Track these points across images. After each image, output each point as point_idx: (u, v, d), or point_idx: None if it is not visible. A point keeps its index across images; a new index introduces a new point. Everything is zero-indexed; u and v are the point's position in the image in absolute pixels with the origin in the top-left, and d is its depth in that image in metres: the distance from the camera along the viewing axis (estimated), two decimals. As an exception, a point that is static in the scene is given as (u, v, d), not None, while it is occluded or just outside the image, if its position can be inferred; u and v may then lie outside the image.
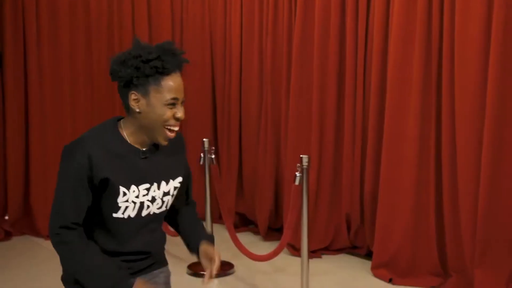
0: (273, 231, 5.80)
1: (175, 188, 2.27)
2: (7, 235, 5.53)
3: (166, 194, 2.23)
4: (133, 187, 2.13)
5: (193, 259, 4.56)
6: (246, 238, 5.40)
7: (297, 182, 4.06)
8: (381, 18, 4.87)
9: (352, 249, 5.36)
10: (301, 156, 4.12)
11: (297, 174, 4.07)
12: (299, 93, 5.46)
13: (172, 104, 2.08)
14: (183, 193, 2.40)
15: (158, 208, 2.22)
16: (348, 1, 5.08)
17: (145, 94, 2.07)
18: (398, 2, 4.65)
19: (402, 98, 4.75)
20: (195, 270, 4.81)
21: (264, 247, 5.18)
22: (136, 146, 2.16)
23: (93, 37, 6.01)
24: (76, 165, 2.03)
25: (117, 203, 2.12)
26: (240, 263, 4.96)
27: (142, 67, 2.04)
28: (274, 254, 4.38)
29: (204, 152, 4.91)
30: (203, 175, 5.08)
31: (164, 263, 2.43)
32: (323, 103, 5.32)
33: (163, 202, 2.23)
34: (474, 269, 4.33)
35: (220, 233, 5.43)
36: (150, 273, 2.34)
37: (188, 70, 5.70)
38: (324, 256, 5.19)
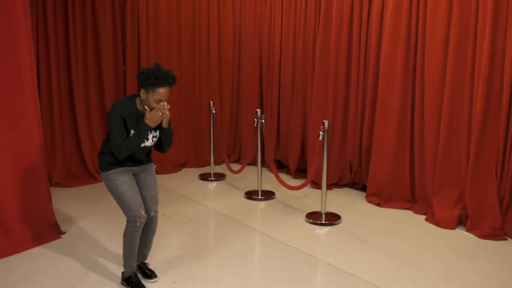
0: (299, 172, 6.72)
1: (157, 135, 3.51)
2: None
3: (154, 137, 3.46)
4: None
5: (249, 188, 6.02)
6: (281, 176, 5.87)
7: (320, 138, 4.95)
8: (377, 24, 5.61)
9: (352, 184, 6.24)
10: (323, 121, 4.95)
11: (320, 133, 4.92)
12: (319, 76, 6.15)
13: (159, 101, 3.32)
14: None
15: (150, 144, 3.47)
16: (355, 12, 5.80)
17: (147, 92, 3.32)
18: (389, 14, 5.40)
19: (389, 81, 5.48)
20: (250, 195, 5.88)
21: (294, 182, 6.06)
22: (141, 110, 3.41)
23: (182, 35, 6.86)
24: (117, 114, 3.32)
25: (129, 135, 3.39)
26: (279, 192, 5.95)
27: (148, 81, 3.29)
28: (303, 185, 5.35)
29: (257, 118, 5.74)
30: (256, 134, 5.85)
31: (151, 161, 3.68)
32: (336, 83, 6.03)
33: (152, 140, 3.47)
34: (433, 196, 5.17)
35: (265, 172, 6.41)
36: (144, 164, 3.61)
37: (243, 61, 6.95)
38: (334, 189, 6.13)
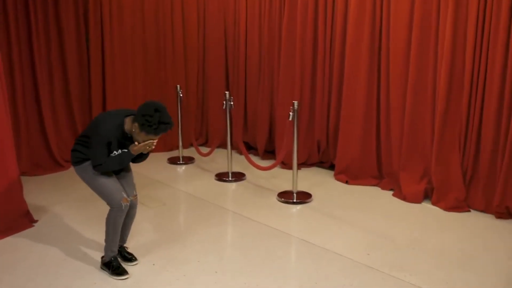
0: (267, 153, 6.80)
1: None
2: None
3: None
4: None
5: (219, 170, 6.08)
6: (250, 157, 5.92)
7: (290, 119, 5.00)
8: (342, 4, 5.65)
9: (320, 164, 6.34)
10: (293, 101, 5.02)
11: (290, 113, 4.98)
12: (286, 57, 6.19)
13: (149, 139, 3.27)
14: None
15: None
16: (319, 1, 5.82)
17: (140, 131, 3.22)
18: None
19: (355, 60, 5.56)
20: (220, 177, 5.93)
21: (263, 163, 6.05)
22: (128, 132, 3.35)
23: (145, 19, 6.77)
24: (104, 137, 3.31)
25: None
26: (249, 173, 6.04)
27: (146, 124, 3.18)
28: (273, 166, 5.43)
29: (226, 100, 5.76)
30: (225, 117, 5.87)
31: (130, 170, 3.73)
32: (303, 64, 6.09)
33: None
34: (399, 172, 5.34)
35: (234, 154, 6.40)
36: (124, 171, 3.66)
37: (208, 44, 6.95)
38: (302, 168, 6.17)
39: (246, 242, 4.25)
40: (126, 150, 3.42)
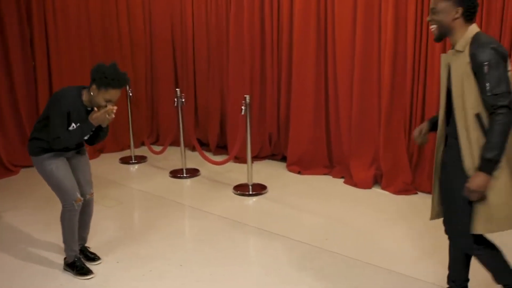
0: (219, 148, 6.86)
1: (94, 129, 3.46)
2: None
3: (92, 131, 3.42)
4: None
5: (172, 167, 6.09)
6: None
7: (243, 113, 5.11)
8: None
9: (272, 156, 6.48)
10: (244, 95, 5.12)
11: (243, 107, 5.08)
12: (234, 51, 6.28)
13: (109, 101, 3.29)
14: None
15: (86, 137, 3.50)
16: None
17: (99, 90, 3.26)
18: None
19: (303, 52, 5.70)
20: (174, 174, 5.93)
21: (216, 159, 6.09)
22: (86, 104, 3.38)
23: (91, 19, 6.67)
24: (63, 108, 3.27)
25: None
26: (203, 169, 6.09)
27: (102, 78, 3.24)
28: (227, 160, 5.54)
29: (177, 97, 5.78)
30: (177, 114, 5.90)
31: (83, 145, 3.66)
32: (252, 57, 6.20)
33: (89, 134, 3.47)
34: (349, 160, 5.53)
35: (187, 151, 6.24)
36: (79, 149, 3.62)
37: (154, 42, 6.93)
38: (254, 162, 6.12)
39: (207, 235, 4.33)
40: (85, 123, 3.39)
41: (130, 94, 6.52)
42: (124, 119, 6.82)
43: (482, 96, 2.49)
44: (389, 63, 5.10)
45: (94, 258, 3.86)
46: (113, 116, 3.39)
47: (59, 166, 3.50)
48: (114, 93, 3.34)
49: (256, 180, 5.59)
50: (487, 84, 2.46)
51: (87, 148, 3.81)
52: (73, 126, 3.39)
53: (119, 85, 3.32)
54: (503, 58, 2.50)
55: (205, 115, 6.97)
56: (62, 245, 3.72)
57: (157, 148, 6.53)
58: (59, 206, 3.61)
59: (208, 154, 6.69)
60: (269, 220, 4.61)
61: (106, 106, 3.34)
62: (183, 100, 5.88)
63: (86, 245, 3.94)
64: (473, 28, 2.62)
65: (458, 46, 2.61)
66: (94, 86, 3.32)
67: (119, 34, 7.05)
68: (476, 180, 2.52)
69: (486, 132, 2.52)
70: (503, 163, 2.54)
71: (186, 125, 6.15)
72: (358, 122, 5.48)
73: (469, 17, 2.61)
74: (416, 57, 5.04)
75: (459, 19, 2.60)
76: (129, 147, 6.88)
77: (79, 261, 3.71)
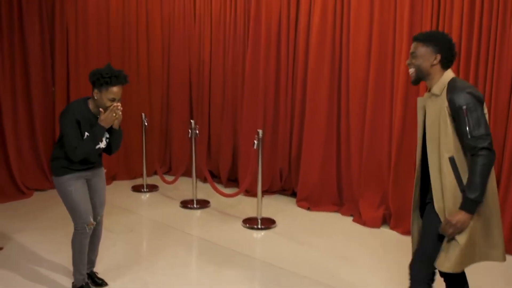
0: (230, 181, 6.92)
1: (109, 137, 3.61)
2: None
3: (106, 138, 3.57)
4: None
5: (183, 197, 6.14)
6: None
7: (255, 147, 5.20)
8: (304, 36, 5.90)
9: (282, 191, 6.51)
10: (257, 130, 5.23)
11: (255, 141, 5.17)
12: (249, 87, 6.41)
13: (112, 100, 3.41)
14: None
15: (104, 145, 3.57)
16: (282, 26, 6.11)
17: (100, 92, 3.38)
18: (315, 27, 5.71)
19: (316, 91, 5.81)
20: (185, 204, 5.97)
21: (226, 191, 6.11)
22: (94, 112, 3.49)
23: (111, 50, 6.93)
24: (71, 118, 3.38)
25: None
26: (213, 200, 6.12)
27: (100, 78, 3.36)
28: (238, 193, 5.62)
29: (191, 129, 5.87)
30: (190, 145, 5.98)
31: (101, 165, 3.76)
32: (266, 93, 6.32)
33: (105, 141, 3.57)
34: (359, 198, 5.55)
35: (198, 182, 6.29)
36: (96, 168, 3.70)
37: (172, 75, 7.06)
38: (264, 196, 6.14)
39: (215, 266, 4.35)
40: (96, 127, 3.48)
41: (146, 124, 6.64)
42: (138, 148, 6.93)
43: (463, 139, 2.56)
44: (401, 103, 5.17)
45: (101, 283, 3.91)
46: (120, 113, 3.50)
47: (78, 189, 3.59)
48: (115, 91, 3.43)
49: (266, 214, 5.61)
50: (467, 127, 2.53)
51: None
52: (86, 135, 3.48)
53: (117, 81, 3.42)
54: (480, 102, 2.58)
55: (217, 148, 7.06)
56: (71, 268, 3.77)
57: (169, 178, 6.60)
58: (69, 229, 3.68)
59: (219, 186, 6.70)
60: (277, 254, 4.63)
61: (110, 106, 3.45)
62: (197, 131, 5.99)
63: (94, 270, 3.99)
64: (449, 74, 2.72)
65: (435, 90, 2.70)
66: (95, 90, 3.44)
67: (138, 65, 7.22)
68: (458, 217, 2.56)
69: (459, 176, 2.59)
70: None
71: (199, 157, 6.22)
72: (368, 160, 5.52)
73: (446, 64, 2.72)
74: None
75: (437, 65, 2.72)
76: (141, 175, 6.97)
77: (87, 286, 3.75)
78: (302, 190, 6.09)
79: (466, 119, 2.53)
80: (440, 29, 4.91)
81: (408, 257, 4.47)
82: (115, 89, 3.43)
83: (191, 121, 6.00)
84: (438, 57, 2.69)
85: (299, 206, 6.08)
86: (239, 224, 5.44)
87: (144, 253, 4.67)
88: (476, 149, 2.52)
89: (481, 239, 2.68)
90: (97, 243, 3.93)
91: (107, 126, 3.49)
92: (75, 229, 3.66)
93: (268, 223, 5.42)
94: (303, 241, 4.97)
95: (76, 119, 3.43)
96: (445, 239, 2.67)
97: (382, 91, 5.40)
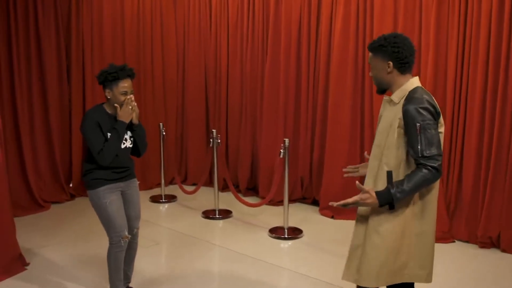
0: (249, 190, 6.88)
1: (132, 135, 3.62)
2: (72, 197, 6.51)
3: (130, 137, 3.58)
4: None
5: (202, 207, 6.09)
6: (231, 195, 6.07)
7: (281, 156, 5.16)
8: (325, 42, 5.87)
9: (303, 199, 6.45)
10: (284, 139, 5.19)
11: (281, 150, 5.13)
12: (269, 95, 6.36)
13: (125, 93, 3.45)
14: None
15: (129, 144, 3.58)
16: (303, 31, 6.05)
17: (111, 89, 3.42)
18: (337, 33, 5.68)
19: (339, 98, 5.77)
20: (207, 215, 5.92)
21: (245, 200, 5.94)
22: (112, 113, 3.49)
23: (126, 60, 6.77)
24: (91, 122, 3.38)
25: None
26: (234, 209, 6.06)
27: (107, 75, 3.41)
28: (262, 203, 5.56)
29: (213, 138, 5.82)
30: (212, 154, 5.92)
31: (135, 176, 3.72)
32: (286, 101, 6.27)
33: (130, 140, 3.59)
34: None
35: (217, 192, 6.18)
36: (129, 179, 3.67)
37: (187, 84, 7.00)
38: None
39: (246, 277, 4.31)
40: (116, 124, 3.49)
41: (164, 133, 6.59)
42: (154, 157, 6.89)
43: (415, 157, 2.51)
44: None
45: (138, 299, 3.85)
46: (135, 104, 3.52)
47: (112, 201, 3.54)
48: (125, 84, 3.48)
49: (290, 223, 5.56)
50: (419, 146, 2.48)
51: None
52: (109, 136, 3.47)
53: (124, 74, 3.47)
54: (436, 118, 2.53)
55: (235, 156, 7.00)
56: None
57: (186, 187, 6.53)
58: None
59: (239, 195, 6.68)
60: (307, 264, 4.58)
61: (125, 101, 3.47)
62: (219, 141, 5.93)
63: (130, 285, 3.93)
64: (413, 81, 2.65)
65: (394, 97, 2.65)
66: (107, 90, 3.49)
67: (152, 75, 7.19)
68: (369, 199, 2.56)
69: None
70: (397, 227, 2.60)
71: (221, 166, 6.16)
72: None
73: (402, 68, 2.63)
74: (456, 107, 5.09)
75: (393, 72, 2.63)
76: (157, 185, 6.92)
77: (125, 302, 3.69)
78: (325, 198, 6.03)
79: (419, 137, 2.47)
80: (467, 40, 4.91)
81: (439, 265, 4.45)
82: (124, 82, 3.48)
83: (213, 130, 5.94)
84: (390, 64, 2.62)
85: (322, 214, 6.03)
86: (265, 234, 5.39)
87: (175, 267, 4.60)
88: (426, 165, 2.48)
89: (413, 261, 2.70)
90: (133, 258, 3.88)
91: (127, 120, 3.48)
92: (110, 243, 3.60)
93: (295, 232, 5.38)
94: (332, 250, 4.93)
95: (96, 121, 3.44)
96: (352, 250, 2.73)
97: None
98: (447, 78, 5.11)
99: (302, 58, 6.18)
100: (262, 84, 6.54)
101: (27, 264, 4.54)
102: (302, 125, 6.29)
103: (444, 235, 5.17)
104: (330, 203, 2.69)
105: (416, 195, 2.62)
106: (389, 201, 2.52)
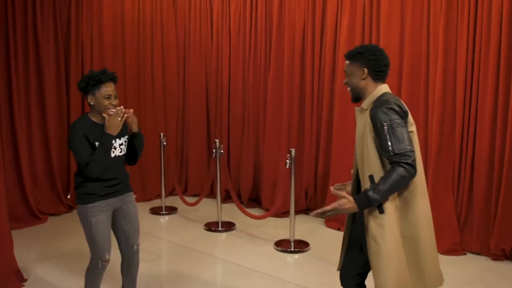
0: (251, 201, 6.76)
1: (125, 141, 3.43)
2: (70, 209, 6.33)
3: (120, 144, 3.39)
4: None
5: (204, 219, 5.96)
6: (233, 206, 6.01)
7: (287, 166, 5.05)
8: (330, 53, 5.82)
9: (306, 211, 6.28)
10: (290, 149, 5.08)
11: (287, 161, 5.01)
12: (272, 106, 6.29)
13: (108, 97, 3.28)
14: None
15: (120, 152, 3.38)
16: (307, 40, 5.97)
17: (94, 95, 3.25)
18: (342, 43, 5.59)
19: (345, 109, 5.67)
20: (209, 227, 5.79)
21: (248, 212, 5.78)
22: (98, 122, 3.30)
23: (126, 68, 6.78)
24: (77, 132, 3.18)
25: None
26: (237, 221, 5.93)
27: (88, 81, 3.25)
28: (267, 215, 5.41)
29: (216, 148, 5.69)
30: (214, 165, 5.77)
31: (130, 189, 3.52)
32: (290, 111, 6.18)
33: (120, 148, 3.38)
34: None
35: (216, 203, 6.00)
36: (123, 194, 3.44)
37: (188, 93, 6.91)
38: (288, 216, 5.62)
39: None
40: (103, 136, 3.30)
41: (164, 144, 6.45)
42: (153, 168, 6.75)
43: (387, 156, 2.49)
44: (437, 122, 5.05)
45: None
46: (131, 112, 3.40)
47: (98, 221, 3.35)
48: (108, 88, 3.32)
49: (295, 235, 5.41)
50: (389, 144, 2.48)
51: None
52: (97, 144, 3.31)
53: (106, 77, 3.32)
54: (403, 117, 2.54)
55: (237, 167, 6.87)
56: None
57: (186, 198, 6.40)
58: (88, 260, 3.48)
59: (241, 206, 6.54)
60: (316, 279, 4.44)
61: (109, 105, 3.29)
62: (222, 151, 5.78)
63: (133, 302, 3.76)
64: (382, 88, 2.68)
65: (363, 104, 2.68)
66: (89, 97, 3.32)
67: (153, 83, 7.06)
68: (347, 205, 2.52)
69: None
70: (393, 234, 2.53)
71: (224, 177, 6.03)
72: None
73: (377, 76, 2.69)
74: (466, 115, 5.00)
75: (367, 79, 2.69)
76: (156, 197, 6.77)
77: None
78: (331, 210, 5.89)
79: (388, 136, 2.48)
80: (477, 47, 4.83)
81: (452, 278, 4.33)
82: (107, 86, 3.32)
83: (216, 140, 5.80)
84: (365, 71, 2.67)
85: (328, 226, 5.90)
86: (270, 247, 5.25)
87: (179, 282, 4.44)
88: (399, 163, 2.45)
89: (409, 270, 2.63)
90: (135, 276, 3.70)
91: (114, 132, 3.29)
92: (90, 261, 3.46)
93: (301, 245, 5.24)
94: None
95: (83, 133, 3.25)
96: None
97: (415, 109, 5.23)
98: (456, 87, 5.02)
99: (306, 67, 6.09)
100: (265, 94, 6.44)
101: (25, 280, 4.37)
102: (307, 135, 6.20)
103: (455, 247, 5.06)
104: (311, 214, 2.73)
105: (397, 197, 2.58)
106: (368, 204, 2.49)
